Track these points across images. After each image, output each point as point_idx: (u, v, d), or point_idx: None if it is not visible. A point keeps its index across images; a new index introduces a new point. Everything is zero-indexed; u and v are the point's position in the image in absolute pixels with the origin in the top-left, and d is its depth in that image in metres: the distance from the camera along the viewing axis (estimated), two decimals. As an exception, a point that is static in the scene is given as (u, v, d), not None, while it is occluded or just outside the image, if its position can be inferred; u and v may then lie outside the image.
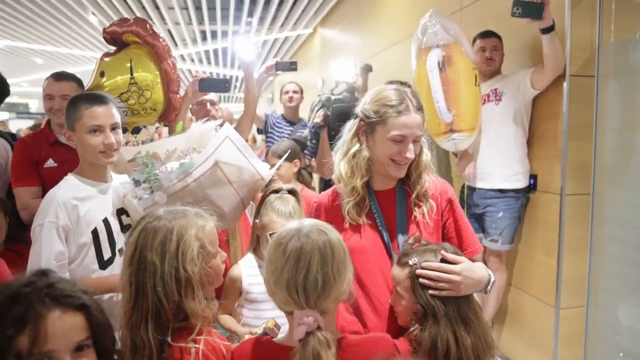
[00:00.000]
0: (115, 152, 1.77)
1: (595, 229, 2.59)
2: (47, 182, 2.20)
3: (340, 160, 1.51)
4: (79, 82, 2.40)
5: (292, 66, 2.71)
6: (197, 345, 1.11)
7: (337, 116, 3.04)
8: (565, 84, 2.51)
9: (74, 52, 9.07)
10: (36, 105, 17.34)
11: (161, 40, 2.26)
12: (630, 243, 2.44)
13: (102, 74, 2.21)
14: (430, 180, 1.50)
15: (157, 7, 6.83)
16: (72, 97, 1.83)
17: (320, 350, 0.98)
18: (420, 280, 1.28)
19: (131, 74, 2.20)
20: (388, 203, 1.49)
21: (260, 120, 3.82)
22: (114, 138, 1.73)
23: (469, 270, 1.30)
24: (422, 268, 1.28)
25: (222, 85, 2.51)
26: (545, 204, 2.72)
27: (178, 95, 2.32)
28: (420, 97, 1.47)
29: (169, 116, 2.36)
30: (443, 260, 1.30)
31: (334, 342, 1.03)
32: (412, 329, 1.28)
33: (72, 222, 1.66)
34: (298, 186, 2.91)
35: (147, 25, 2.23)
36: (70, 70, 2.66)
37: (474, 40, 2.84)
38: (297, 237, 1.06)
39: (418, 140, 1.43)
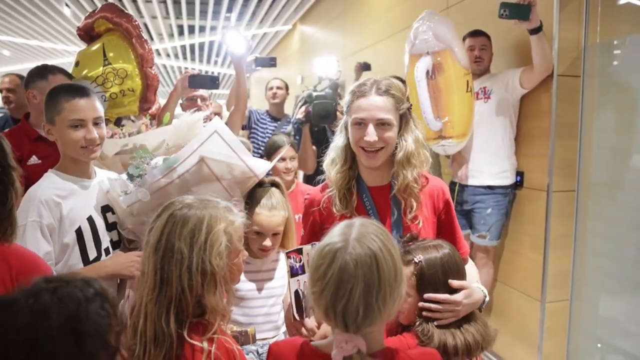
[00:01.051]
0: (98, 147, 1.68)
1: (580, 225, 2.67)
2: (33, 179, 2.13)
3: (329, 152, 1.54)
4: (66, 75, 2.34)
5: (271, 62, 2.69)
6: (209, 348, 1.07)
7: (318, 112, 3.04)
8: (552, 84, 2.57)
9: (45, 44, 8.81)
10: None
11: (130, 18, 2.25)
12: (613, 239, 2.52)
13: (76, 64, 2.17)
14: (426, 179, 1.51)
15: (134, 0, 6.70)
16: (52, 88, 1.73)
17: None
18: (424, 313, 1.29)
19: (104, 56, 2.18)
20: (383, 199, 1.49)
21: (244, 115, 3.80)
22: (96, 133, 1.64)
23: (469, 296, 1.32)
24: (425, 300, 1.29)
25: (211, 82, 2.51)
26: (532, 200, 2.78)
27: (153, 71, 2.30)
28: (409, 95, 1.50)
29: (148, 95, 2.32)
30: (446, 288, 1.31)
31: (379, 354, 1.00)
32: (418, 323, 1.28)
33: (56, 220, 1.57)
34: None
35: (114, 7, 2.23)
36: (41, 62, 2.60)
37: (464, 39, 2.88)
38: (338, 261, 0.95)
39: (386, 124, 1.41)
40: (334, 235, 1.00)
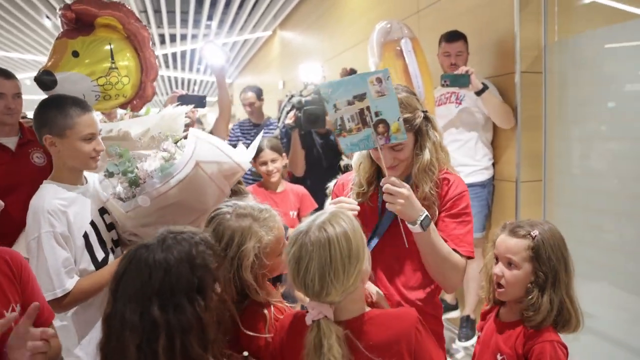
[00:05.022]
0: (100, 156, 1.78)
1: (548, 213, 2.83)
2: None
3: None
4: (15, 77, 2.35)
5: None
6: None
7: (308, 118, 3.19)
8: (516, 80, 2.73)
9: (27, 57, 8.82)
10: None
11: (146, 28, 2.28)
12: (581, 224, 2.67)
13: (75, 54, 2.08)
14: (448, 181, 1.52)
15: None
16: (52, 100, 1.77)
17: (323, 339, 1.09)
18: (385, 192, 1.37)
19: (112, 58, 2.15)
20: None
21: (228, 123, 3.95)
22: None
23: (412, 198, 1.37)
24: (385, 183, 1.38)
25: (199, 101, 2.61)
26: (503, 191, 2.94)
27: (155, 84, 2.35)
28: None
29: (137, 104, 2.35)
30: (564, 261, 1.42)
31: (349, 321, 1.16)
32: (530, 297, 1.38)
33: (66, 228, 1.64)
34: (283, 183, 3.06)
35: (131, 12, 2.22)
36: (20, 76, 2.57)
37: (440, 41, 2.98)
38: (300, 242, 1.13)
39: (399, 146, 1.43)
40: (306, 220, 1.19)
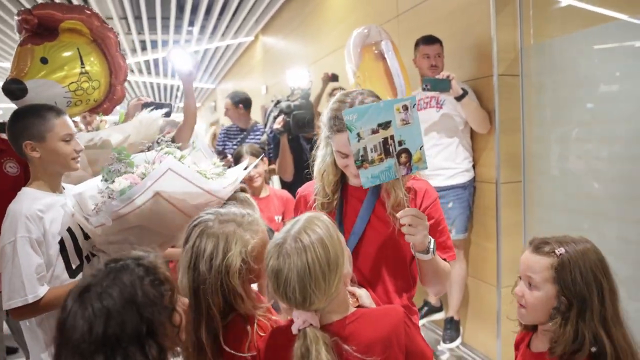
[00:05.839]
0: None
1: (528, 213, 2.86)
2: None
3: (317, 159, 1.55)
4: None
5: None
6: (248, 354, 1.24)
7: (297, 123, 3.22)
8: (494, 83, 2.77)
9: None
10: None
11: (114, 32, 2.27)
12: (559, 224, 2.71)
13: (44, 61, 2.07)
14: (413, 186, 1.50)
15: (94, 18, 6.70)
16: (28, 108, 1.78)
17: (310, 346, 1.09)
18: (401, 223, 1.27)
19: (82, 63, 2.14)
20: (356, 201, 1.51)
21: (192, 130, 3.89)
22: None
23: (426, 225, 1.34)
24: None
25: (164, 108, 2.52)
26: (483, 192, 2.97)
27: (123, 87, 2.35)
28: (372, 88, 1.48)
29: (107, 107, 2.34)
30: (596, 286, 1.23)
31: (334, 325, 1.15)
32: (551, 323, 1.22)
33: (41, 234, 1.65)
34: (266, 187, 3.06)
35: (99, 16, 2.21)
36: None
37: (417, 45, 3.01)
38: (276, 255, 1.12)
39: None
40: (282, 230, 1.17)
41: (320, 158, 1.53)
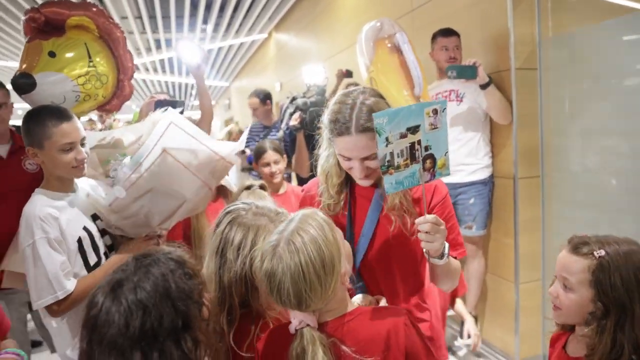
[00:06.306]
0: (86, 164, 1.78)
1: (547, 209, 2.83)
2: None
3: (320, 159, 1.50)
4: (4, 87, 2.34)
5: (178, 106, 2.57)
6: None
7: (313, 119, 3.23)
8: (511, 77, 2.73)
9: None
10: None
11: (120, 28, 2.26)
12: (579, 220, 2.67)
13: (52, 54, 2.06)
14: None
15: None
16: (31, 112, 1.77)
17: (306, 347, 1.07)
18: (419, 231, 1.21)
19: (89, 58, 2.14)
20: (365, 201, 1.48)
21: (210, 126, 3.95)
22: (84, 152, 1.74)
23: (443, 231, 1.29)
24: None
25: (177, 106, 2.55)
26: (501, 188, 2.94)
27: (130, 84, 2.34)
28: (380, 91, 1.40)
29: (115, 104, 2.33)
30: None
31: (330, 323, 1.14)
32: (587, 329, 1.16)
33: (59, 233, 1.67)
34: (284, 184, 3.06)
35: (104, 12, 2.22)
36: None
37: (434, 37, 2.97)
38: (270, 257, 1.08)
39: (372, 156, 1.32)
40: (276, 231, 1.14)
41: (324, 159, 1.48)
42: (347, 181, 1.49)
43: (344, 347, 1.09)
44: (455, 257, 1.44)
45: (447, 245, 1.31)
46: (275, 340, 1.18)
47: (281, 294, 1.07)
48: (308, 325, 1.10)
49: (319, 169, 1.50)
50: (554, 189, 2.79)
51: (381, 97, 1.36)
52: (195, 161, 1.76)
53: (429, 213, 1.38)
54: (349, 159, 1.34)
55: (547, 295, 2.78)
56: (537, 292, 2.86)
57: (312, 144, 3.35)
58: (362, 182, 1.40)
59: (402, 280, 1.47)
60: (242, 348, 1.22)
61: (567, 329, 1.33)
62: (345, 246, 1.19)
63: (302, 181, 3.56)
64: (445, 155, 1.28)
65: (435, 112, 1.23)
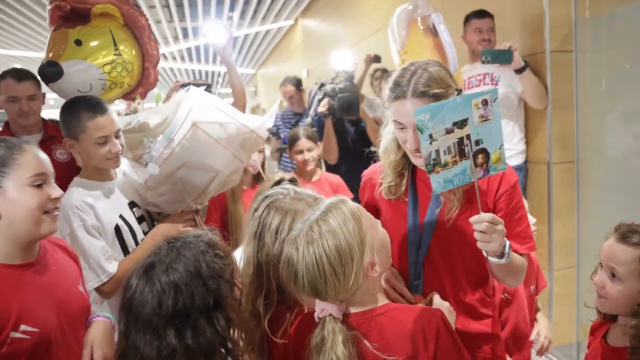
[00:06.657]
0: (121, 155, 1.79)
1: (582, 194, 2.77)
2: None
3: (382, 137, 1.45)
4: (36, 79, 2.34)
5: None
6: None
7: (341, 105, 3.22)
8: (546, 60, 2.67)
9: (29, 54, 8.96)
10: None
11: (145, 16, 2.29)
12: (613, 205, 2.62)
13: (78, 42, 2.05)
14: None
15: (137, 6, 6.84)
16: (67, 104, 1.79)
17: (326, 336, 1.05)
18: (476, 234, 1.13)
19: (115, 46, 2.14)
20: (425, 187, 1.38)
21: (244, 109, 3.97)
22: (119, 144, 1.75)
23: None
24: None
25: (203, 89, 2.57)
26: (535, 173, 2.89)
27: (155, 72, 2.35)
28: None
29: (139, 92, 2.34)
30: None
31: (355, 316, 1.10)
32: (635, 321, 1.12)
33: (96, 220, 1.70)
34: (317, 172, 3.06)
35: (130, 0, 2.22)
36: None
37: (467, 20, 2.89)
38: (291, 243, 1.09)
39: None
40: (302, 219, 1.14)
41: (385, 136, 1.42)
42: (409, 165, 1.42)
43: (366, 342, 1.06)
44: (522, 254, 1.33)
45: (507, 243, 1.21)
46: (304, 326, 1.18)
47: (297, 282, 1.07)
48: (331, 314, 1.08)
49: (380, 147, 1.45)
50: (589, 174, 2.73)
51: (446, 69, 1.32)
52: (225, 134, 1.78)
53: (496, 203, 1.34)
54: (404, 128, 1.28)
55: (582, 282, 2.76)
56: (571, 279, 2.82)
57: (339, 130, 3.31)
58: (416, 161, 1.33)
59: (465, 273, 1.39)
60: (277, 334, 1.22)
61: (608, 319, 1.29)
62: (379, 236, 1.14)
63: (330, 168, 3.55)
64: (500, 148, 1.18)
65: (485, 102, 1.13)
